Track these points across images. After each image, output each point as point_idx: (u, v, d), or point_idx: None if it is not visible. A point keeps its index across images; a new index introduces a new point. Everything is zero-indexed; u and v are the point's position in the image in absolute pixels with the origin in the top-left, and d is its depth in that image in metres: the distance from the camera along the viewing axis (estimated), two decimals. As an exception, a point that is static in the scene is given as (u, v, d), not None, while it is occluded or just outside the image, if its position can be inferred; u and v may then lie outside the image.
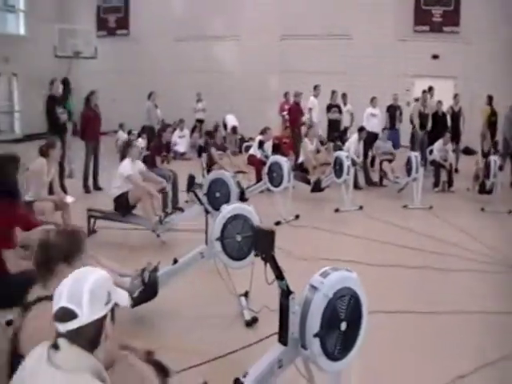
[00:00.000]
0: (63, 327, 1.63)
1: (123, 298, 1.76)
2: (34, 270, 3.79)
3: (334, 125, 13.13)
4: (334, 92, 13.40)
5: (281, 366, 2.89)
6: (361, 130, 11.40)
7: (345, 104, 13.86)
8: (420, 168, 9.73)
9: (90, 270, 1.78)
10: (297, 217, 8.15)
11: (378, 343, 3.89)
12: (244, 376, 2.78)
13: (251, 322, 4.54)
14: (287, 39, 18.28)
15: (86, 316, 1.63)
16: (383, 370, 3.90)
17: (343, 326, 2.83)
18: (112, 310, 1.74)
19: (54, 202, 6.19)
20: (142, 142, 13.80)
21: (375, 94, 13.45)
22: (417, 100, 13.94)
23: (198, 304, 4.89)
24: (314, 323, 2.75)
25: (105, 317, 1.69)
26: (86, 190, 10.00)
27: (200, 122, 17.40)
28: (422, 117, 13.06)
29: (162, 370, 2.57)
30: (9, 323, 4.30)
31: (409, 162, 9.93)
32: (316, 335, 2.75)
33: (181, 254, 4.81)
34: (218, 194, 6.29)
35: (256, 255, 2.98)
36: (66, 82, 9.47)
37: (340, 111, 13.27)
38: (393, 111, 13.89)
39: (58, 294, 1.69)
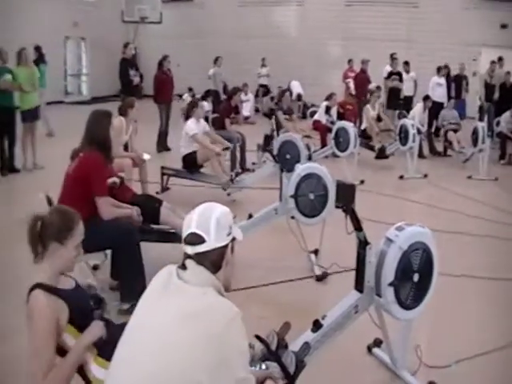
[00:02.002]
0: (192, 250, 1.86)
1: (239, 234, 1.99)
2: (125, 219, 4.12)
3: (393, 92, 12.98)
4: (394, 59, 13.23)
5: (356, 311, 3.08)
6: (426, 98, 11.28)
7: (407, 72, 13.69)
8: (486, 139, 9.59)
9: (215, 204, 1.99)
10: (362, 182, 8.24)
11: (442, 302, 4.01)
12: (323, 318, 2.98)
13: (321, 277, 4.74)
14: (352, 5, 18.07)
15: (212, 242, 1.85)
16: (447, 327, 4.05)
17: (416, 277, 3.00)
18: (232, 242, 1.95)
19: (132, 159, 6.52)
20: (206, 106, 14.11)
21: (440, 63, 13.21)
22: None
23: (271, 258, 5.13)
24: (389, 273, 2.93)
25: (226, 246, 1.91)
26: (159, 149, 10.50)
27: (263, 87, 17.52)
28: (488, 87, 12.80)
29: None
30: (95, 267, 4.67)
31: (475, 133, 9.82)
32: (390, 284, 2.93)
33: (250, 212, 5.02)
34: (288, 156, 6.48)
35: (337, 207, 3.15)
36: (38, 49, 9.69)
37: (401, 79, 13.11)
38: (459, 81, 13.64)
39: (187, 221, 1.91)
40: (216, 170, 7.09)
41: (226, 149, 7.77)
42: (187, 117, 7.41)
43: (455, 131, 10.99)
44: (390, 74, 13.09)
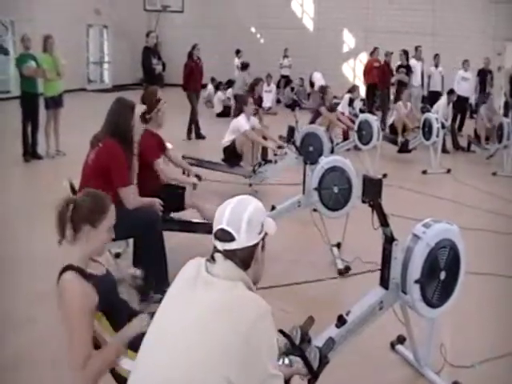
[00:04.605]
0: (221, 246, 1.81)
1: (271, 227, 1.90)
2: (148, 207, 4.11)
3: (399, 86, 12.51)
4: (405, 52, 13.00)
5: (381, 308, 3.03)
6: (450, 92, 11.11)
7: (436, 66, 13.39)
8: (512, 135, 9.44)
9: (249, 199, 1.91)
10: (384, 175, 8.14)
11: (467, 301, 3.93)
12: (347, 314, 2.93)
13: (344, 271, 4.70)
14: (374, -3, 17.88)
15: (242, 241, 1.80)
16: (471, 325, 4.00)
17: (442, 275, 2.95)
18: (263, 239, 1.88)
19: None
20: (227, 93, 14.13)
21: (465, 57, 12.98)
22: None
23: (293, 250, 5.10)
24: (415, 270, 2.88)
25: (257, 244, 1.85)
26: (189, 137, 10.91)
27: (285, 77, 17.44)
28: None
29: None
30: (117, 255, 4.67)
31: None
32: (417, 281, 2.88)
33: (273, 203, 4.94)
34: (311, 148, 6.43)
35: (363, 202, 3.10)
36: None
37: (407, 73, 12.78)
38: (483, 75, 13.40)
39: (219, 215, 1.85)
40: (247, 158, 7.07)
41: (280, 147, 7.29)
42: (238, 113, 7.35)
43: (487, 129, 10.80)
44: (399, 67, 12.88)
